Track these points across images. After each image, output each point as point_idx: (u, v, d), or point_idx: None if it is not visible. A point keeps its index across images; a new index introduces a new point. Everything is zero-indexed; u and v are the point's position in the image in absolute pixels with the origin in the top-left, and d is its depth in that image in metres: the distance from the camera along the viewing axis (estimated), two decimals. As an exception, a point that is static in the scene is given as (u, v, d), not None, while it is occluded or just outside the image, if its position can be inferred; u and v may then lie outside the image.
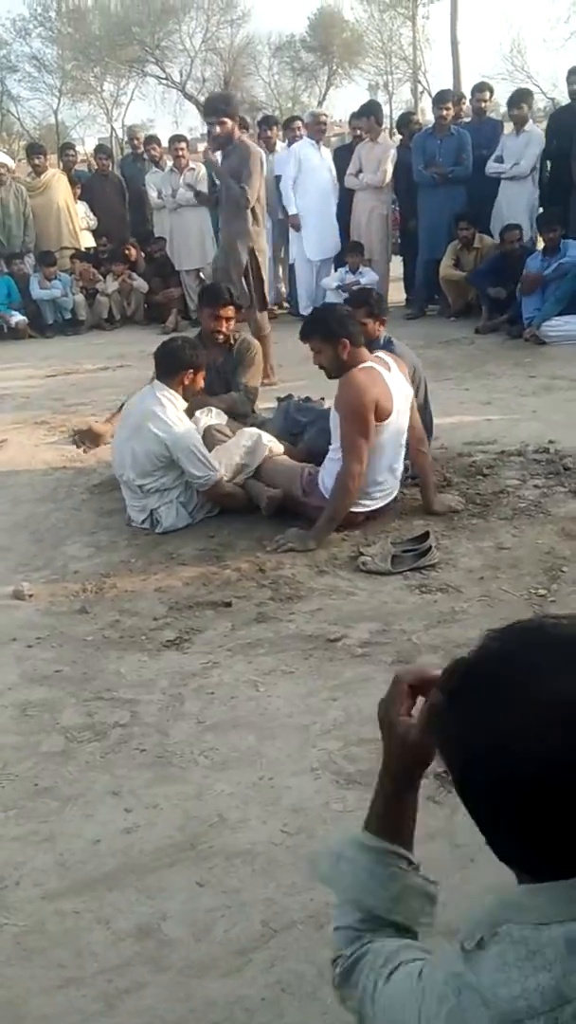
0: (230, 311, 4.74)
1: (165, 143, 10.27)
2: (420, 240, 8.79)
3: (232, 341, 4.88)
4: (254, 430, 4.38)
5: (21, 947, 2.00)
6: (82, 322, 9.74)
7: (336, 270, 9.18)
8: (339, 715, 2.74)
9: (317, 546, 3.83)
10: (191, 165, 9.33)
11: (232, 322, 4.83)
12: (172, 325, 9.07)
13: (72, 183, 10.21)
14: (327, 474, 3.97)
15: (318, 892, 2.08)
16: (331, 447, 3.98)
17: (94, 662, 3.15)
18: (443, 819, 2.28)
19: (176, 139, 9.75)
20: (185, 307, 9.44)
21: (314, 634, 3.22)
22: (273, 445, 4.32)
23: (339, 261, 9.15)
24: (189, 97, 30.60)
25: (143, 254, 9.84)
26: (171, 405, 4.12)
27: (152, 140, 10.86)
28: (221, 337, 4.79)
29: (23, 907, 2.11)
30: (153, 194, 9.69)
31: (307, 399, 5.13)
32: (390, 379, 3.87)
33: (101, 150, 11.14)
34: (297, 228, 8.92)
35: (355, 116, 9.09)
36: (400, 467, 4.07)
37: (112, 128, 30.24)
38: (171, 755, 2.62)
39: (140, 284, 9.70)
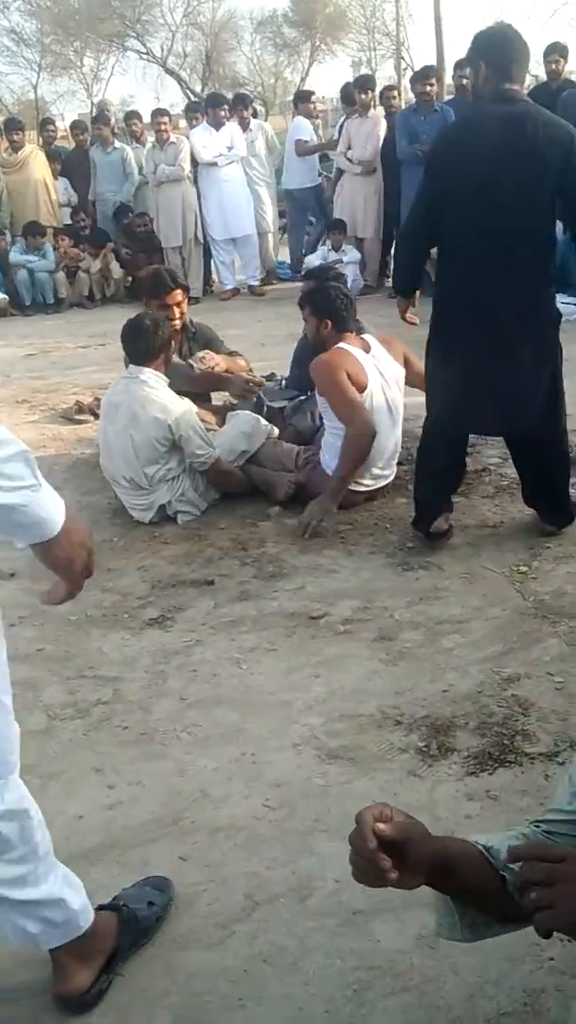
0: (178, 295, 4.55)
1: (147, 118, 10.19)
2: (403, 218, 8.74)
3: (189, 324, 4.73)
4: (250, 414, 4.34)
5: (5, 922, 2.01)
6: (63, 300, 9.68)
7: (319, 247, 9.17)
8: (321, 691, 2.76)
9: (335, 506, 3.82)
10: (172, 139, 9.23)
11: (184, 304, 4.63)
12: (154, 303, 9.01)
13: (52, 159, 10.10)
14: (328, 454, 3.99)
15: (300, 866, 2.10)
16: (327, 428, 4.02)
17: (76, 640, 3.14)
18: (424, 793, 2.30)
19: (159, 113, 9.64)
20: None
21: (296, 611, 3.23)
22: (271, 429, 4.29)
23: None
24: (170, 72, 30.25)
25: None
26: (161, 386, 4.02)
27: (133, 116, 10.74)
28: (177, 324, 4.54)
29: (6, 883, 2.12)
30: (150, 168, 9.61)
31: (272, 375, 5.18)
32: (366, 359, 3.91)
33: (77, 125, 11.02)
34: None
35: (360, 88, 9.00)
36: (397, 450, 4.11)
37: (92, 103, 29.87)
38: (154, 732, 2.62)
39: (115, 268, 9.67)
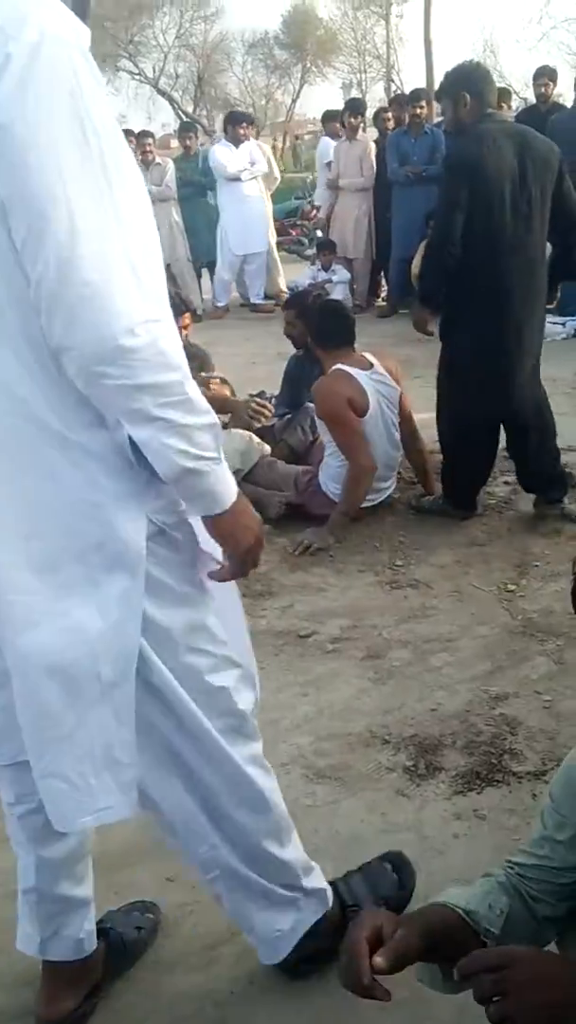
0: (187, 319, 4.64)
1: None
2: (393, 239, 8.80)
3: (188, 345, 4.84)
4: (244, 432, 4.34)
5: (-12, 944, 1.99)
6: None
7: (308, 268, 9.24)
8: (309, 710, 2.75)
9: (335, 540, 3.84)
10: (157, 161, 9.32)
11: (190, 327, 4.74)
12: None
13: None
14: (327, 476, 4.00)
15: (287, 886, 2.08)
16: (326, 452, 4.03)
17: (64, 658, 3.12)
18: (412, 813, 2.29)
19: (144, 135, 9.76)
20: None
21: (285, 630, 3.22)
22: (263, 447, 4.30)
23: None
24: (162, 93, 30.49)
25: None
26: None
27: (127, 134, 10.83)
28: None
29: (-10, 904, 2.09)
30: None
31: (261, 393, 5.20)
32: (367, 378, 3.91)
33: None
34: None
35: (351, 112, 9.09)
36: (396, 463, 4.14)
37: (84, 123, 30.04)
38: (141, 751, 2.60)
39: None
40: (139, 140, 9.58)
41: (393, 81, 31.14)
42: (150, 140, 9.57)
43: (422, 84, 22.03)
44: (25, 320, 1.26)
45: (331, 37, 31.95)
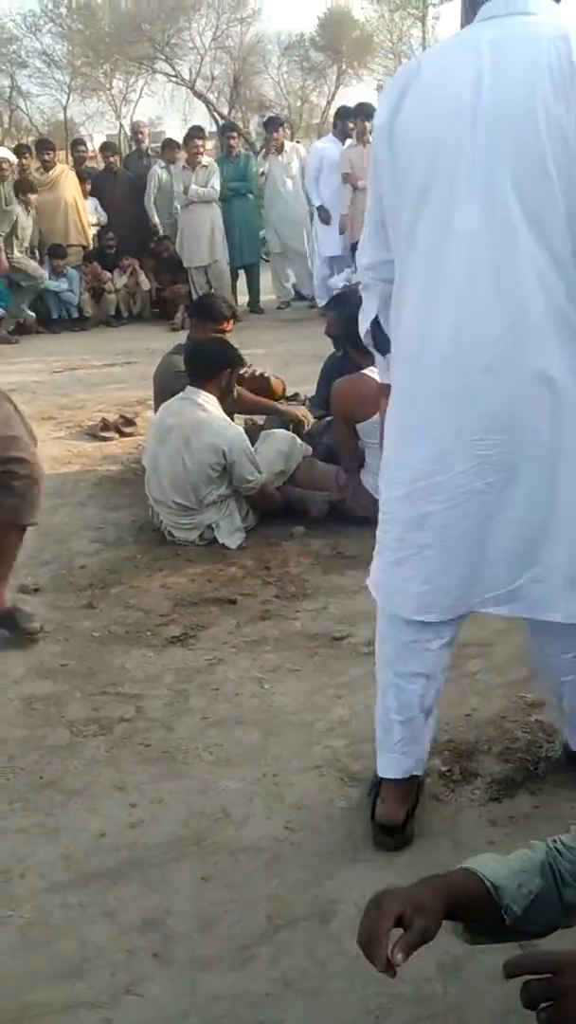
0: (229, 325, 4.67)
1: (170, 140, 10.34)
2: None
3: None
4: (287, 433, 4.35)
5: (26, 938, 2.01)
6: (89, 319, 9.77)
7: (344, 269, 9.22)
8: (344, 713, 2.75)
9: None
10: (204, 162, 9.31)
11: (231, 333, 4.76)
12: (179, 322, 9.08)
13: (82, 179, 10.23)
14: (369, 473, 4.01)
15: (322, 889, 2.09)
16: (365, 446, 4.06)
17: (99, 657, 3.15)
18: (447, 819, 2.29)
19: (193, 136, 9.71)
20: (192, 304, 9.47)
21: (319, 632, 3.22)
22: (306, 448, 4.32)
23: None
24: (198, 95, 30.56)
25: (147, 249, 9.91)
26: (214, 409, 4.00)
27: (166, 141, 10.88)
28: None
29: (28, 899, 2.12)
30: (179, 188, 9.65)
31: (295, 395, 5.24)
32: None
33: (107, 147, 11.19)
34: (325, 222, 9.18)
35: (350, 116, 9.14)
36: None
37: (121, 125, 30.21)
38: (176, 750, 2.62)
39: (144, 282, 9.76)
40: (189, 140, 9.52)
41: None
42: (200, 141, 9.49)
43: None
44: (574, 235, 1.79)
45: (367, 39, 31.80)
